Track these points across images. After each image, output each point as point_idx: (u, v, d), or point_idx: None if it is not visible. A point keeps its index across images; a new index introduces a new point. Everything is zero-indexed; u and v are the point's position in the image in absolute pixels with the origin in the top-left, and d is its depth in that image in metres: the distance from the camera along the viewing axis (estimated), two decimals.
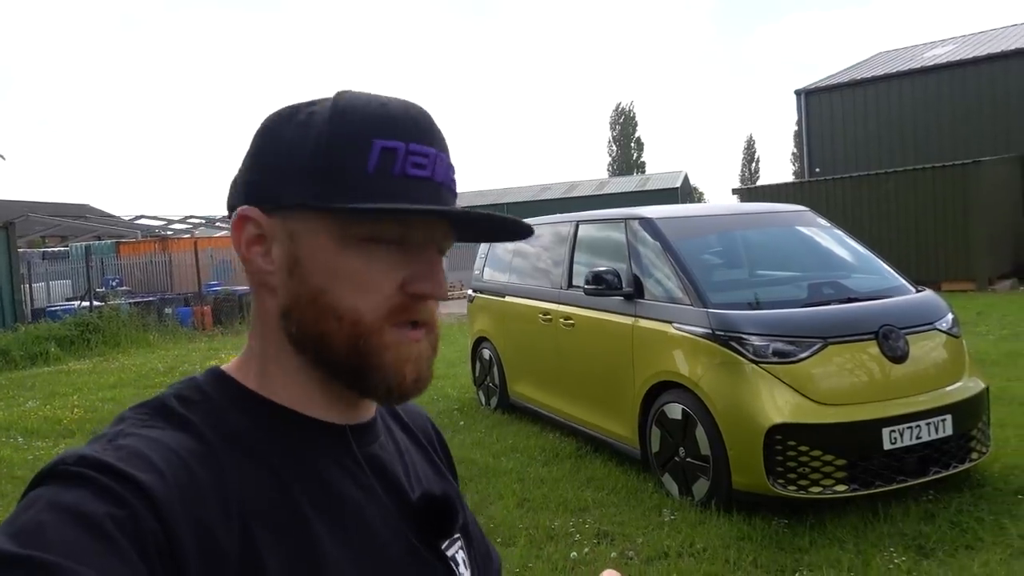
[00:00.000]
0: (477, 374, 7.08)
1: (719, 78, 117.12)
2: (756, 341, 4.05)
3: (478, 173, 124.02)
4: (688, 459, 4.27)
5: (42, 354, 11.27)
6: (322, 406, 0.69)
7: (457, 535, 0.78)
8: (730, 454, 3.99)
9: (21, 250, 19.47)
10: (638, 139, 63.49)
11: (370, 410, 0.75)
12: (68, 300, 16.11)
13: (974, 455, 4.18)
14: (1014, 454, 4.66)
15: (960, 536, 3.64)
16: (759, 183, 43.77)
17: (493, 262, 6.99)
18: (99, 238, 23.88)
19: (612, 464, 5.00)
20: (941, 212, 14.53)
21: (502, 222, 0.71)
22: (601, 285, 4.89)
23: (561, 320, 5.52)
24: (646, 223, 4.94)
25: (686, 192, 43.64)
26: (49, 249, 22.02)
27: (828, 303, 4.37)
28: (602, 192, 41.57)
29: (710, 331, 4.18)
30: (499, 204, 40.04)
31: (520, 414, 6.39)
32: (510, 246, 6.74)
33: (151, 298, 15.09)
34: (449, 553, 0.75)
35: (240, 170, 0.70)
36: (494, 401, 6.73)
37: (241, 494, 0.60)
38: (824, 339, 4.02)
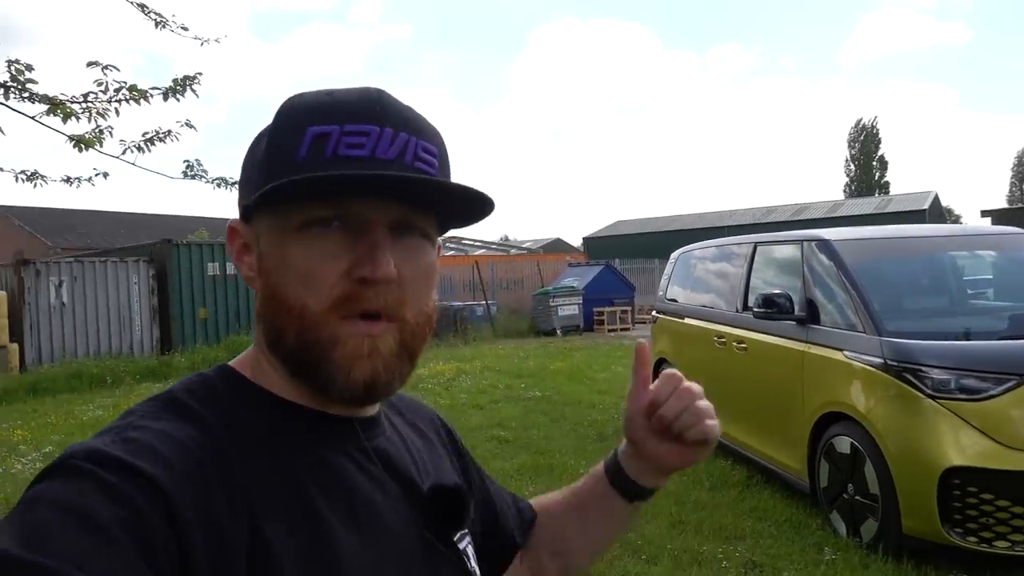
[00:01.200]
0: None
1: (981, 88, 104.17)
2: (936, 375, 3.69)
3: (698, 196, 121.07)
4: (856, 497, 3.98)
5: None
6: (321, 401, 0.68)
7: (466, 529, 0.77)
8: (900, 495, 3.67)
9: None
10: (881, 157, 58.44)
11: (374, 405, 0.74)
12: None
13: None
14: None
15: None
16: None
17: (675, 284, 6.95)
18: None
19: (780, 496, 4.77)
20: None
21: (445, 188, 0.66)
22: (772, 309, 4.71)
23: (735, 344, 5.38)
24: (823, 245, 4.69)
25: (936, 214, 39.38)
26: None
27: None
28: (835, 215, 38.77)
29: (883, 361, 3.88)
30: (719, 227, 38.85)
31: None
32: (691, 269, 6.66)
33: None
34: (460, 546, 0.75)
35: None
36: None
37: (251, 487, 0.60)
38: (1020, 376, 3.57)
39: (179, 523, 0.54)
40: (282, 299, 0.65)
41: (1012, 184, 61.28)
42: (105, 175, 5.11)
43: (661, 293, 7.23)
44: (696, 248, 6.85)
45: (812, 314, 4.55)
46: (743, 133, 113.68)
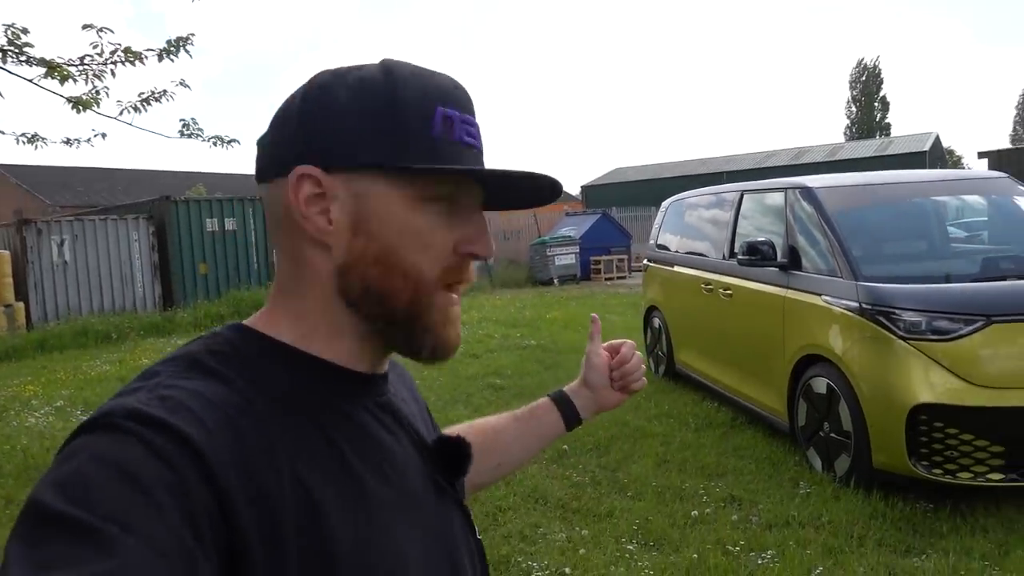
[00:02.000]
0: (648, 342, 7.23)
1: (986, 25, 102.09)
2: (908, 316, 3.85)
3: (700, 141, 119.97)
4: (831, 434, 4.18)
5: None
6: (356, 358, 0.70)
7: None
8: (871, 432, 3.86)
9: None
10: (883, 98, 57.71)
11: (385, 363, 0.76)
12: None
13: None
14: None
15: None
16: None
17: (664, 233, 7.08)
18: None
19: (761, 436, 4.98)
20: None
21: (534, 185, 0.72)
22: (755, 256, 4.85)
23: (721, 291, 5.53)
24: (806, 192, 4.80)
25: (936, 156, 39.17)
26: None
27: (1003, 278, 4.01)
28: (835, 158, 38.60)
29: (858, 305, 4.03)
30: (719, 173, 38.70)
31: (683, 382, 6.47)
32: (680, 217, 6.78)
33: None
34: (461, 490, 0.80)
35: (278, 133, 0.69)
36: (662, 369, 6.86)
37: (285, 443, 0.60)
38: (988, 316, 3.72)
39: (218, 483, 0.53)
40: (398, 263, 0.67)
41: (1016, 122, 60.66)
42: (103, 136, 5.20)
43: (652, 241, 7.36)
44: (686, 196, 6.95)
45: (794, 260, 4.69)
46: (745, 75, 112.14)
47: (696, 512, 3.87)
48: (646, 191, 37.89)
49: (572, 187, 47.44)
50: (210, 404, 0.58)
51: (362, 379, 0.70)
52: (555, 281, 17.30)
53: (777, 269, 4.77)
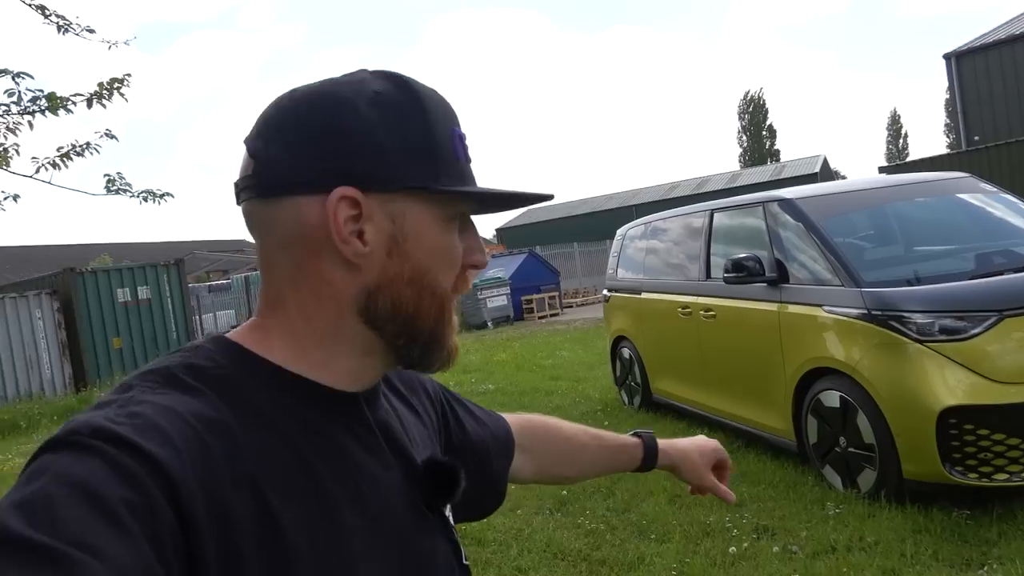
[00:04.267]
0: (618, 374, 7.01)
1: (857, 53, 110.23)
2: (919, 319, 3.75)
3: (607, 178, 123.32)
4: (851, 449, 4.01)
5: None
6: (350, 377, 0.69)
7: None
8: (898, 441, 3.71)
9: (190, 285, 21.36)
10: (770, 126, 60.88)
11: (378, 377, 0.74)
12: (232, 327, 17.47)
13: None
14: None
15: None
16: (909, 159, 40.85)
17: (625, 261, 6.92)
18: (254, 269, 25.76)
19: (767, 458, 4.79)
20: None
21: (522, 197, 0.74)
22: (742, 272, 4.70)
23: (701, 313, 5.37)
24: (786, 204, 4.72)
25: (826, 177, 41.32)
26: (214, 283, 23.99)
27: (1001, 273, 3.99)
28: (735, 185, 40.14)
29: (866, 311, 3.92)
30: (627, 207, 39.61)
31: (665, 412, 6.26)
32: (642, 243, 6.64)
33: None
34: (448, 516, 0.78)
35: (290, 147, 0.65)
36: (637, 400, 6.63)
37: (256, 464, 0.59)
38: (999, 312, 3.66)
39: (186, 511, 0.53)
40: (428, 282, 0.68)
41: (888, 142, 65.07)
42: (16, 198, 4.64)
43: (611, 271, 7.18)
44: (642, 223, 6.83)
45: (783, 274, 4.57)
46: (642, 112, 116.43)
47: (733, 549, 3.60)
48: (560, 229, 38.34)
49: (485, 231, 47.62)
50: (180, 420, 0.57)
51: (347, 399, 0.69)
52: (489, 324, 17.02)
53: (766, 284, 4.64)
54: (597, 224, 35.57)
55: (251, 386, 0.64)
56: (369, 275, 0.66)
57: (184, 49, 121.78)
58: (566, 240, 27.01)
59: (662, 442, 1.18)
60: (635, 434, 1.17)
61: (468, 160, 0.71)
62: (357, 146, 0.64)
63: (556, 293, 18.89)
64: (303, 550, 0.59)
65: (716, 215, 5.51)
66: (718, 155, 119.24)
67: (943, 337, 3.69)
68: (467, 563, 0.79)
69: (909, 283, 3.97)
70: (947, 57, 19.03)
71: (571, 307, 20.31)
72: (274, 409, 0.64)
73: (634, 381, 6.66)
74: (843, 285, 4.11)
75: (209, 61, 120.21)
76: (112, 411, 0.56)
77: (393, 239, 0.66)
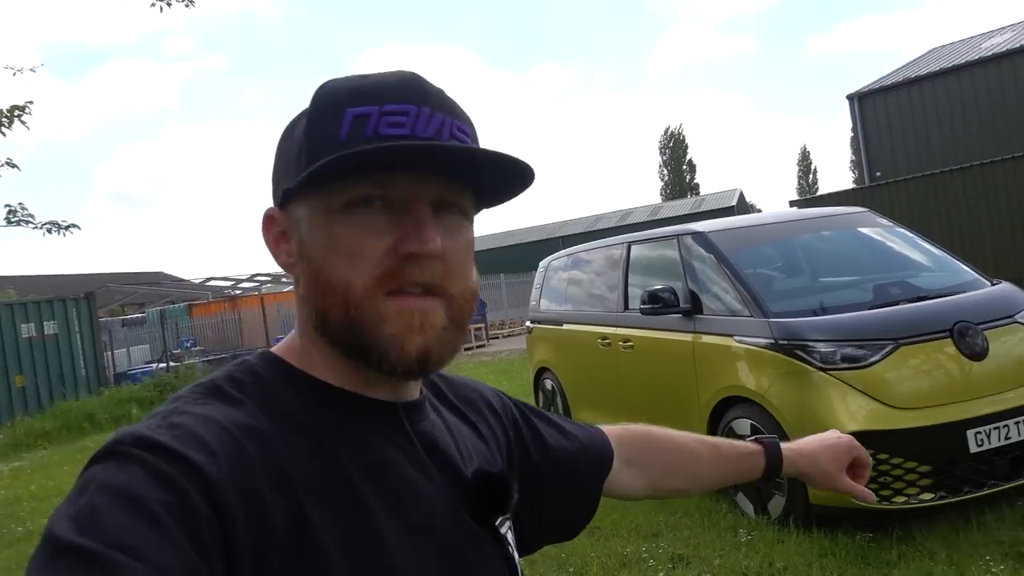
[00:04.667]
0: (541, 405, 7.02)
1: (768, 93, 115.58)
2: (822, 348, 3.90)
3: (535, 211, 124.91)
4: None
5: (125, 415, 11.68)
6: (366, 385, 0.68)
7: (509, 514, 0.77)
8: None
9: (102, 319, 20.43)
10: (690, 161, 62.91)
11: (417, 388, 0.74)
12: (147, 363, 16.77)
13: None
14: None
15: None
16: (819, 193, 42.91)
17: (548, 292, 6.98)
18: (173, 302, 24.88)
19: None
20: (1017, 207, 13.87)
21: (492, 158, 0.65)
22: (658, 304, 4.81)
23: (620, 343, 5.45)
24: (699, 237, 4.87)
25: (742, 210, 42.90)
26: (128, 317, 23.03)
27: (897, 303, 4.20)
28: (656, 217, 41.21)
29: (773, 341, 4.06)
30: (553, 238, 40.12)
31: None
32: (564, 274, 6.72)
33: (223, 355, 15.58)
34: (501, 531, 0.75)
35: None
36: None
37: (293, 470, 0.60)
38: (895, 340, 3.85)
39: (222, 508, 0.55)
40: (327, 279, 0.65)
41: (799, 177, 68.15)
42: None
43: (534, 303, 7.23)
44: (565, 255, 6.92)
45: (696, 305, 4.69)
46: (569, 147, 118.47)
47: None
48: (487, 260, 38.43)
49: None
50: (218, 427, 0.59)
51: (385, 409, 0.69)
52: None
53: (681, 315, 4.75)
54: (524, 256, 35.83)
55: (290, 397, 0.66)
56: (299, 285, 0.69)
57: (102, 75, 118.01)
58: (493, 271, 27.14)
59: (787, 447, 1.11)
60: (756, 440, 1.11)
61: (388, 136, 0.64)
62: (277, 165, 0.70)
63: (482, 325, 18.89)
64: (337, 556, 0.60)
65: (633, 247, 5.63)
66: (641, 188, 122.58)
67: (844, 365, 3.84)
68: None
69: (814, 313, 4.14)
70: (850, 97, 20.16)
71: (497, 338, 20.33)
72: (312, 419, 0.65)
73: (557, 412, 6.69)
74: (752, 316, 4.25)
75: (128, 88, 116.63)
76: (156, 422, 0.60)
77: (300, 245, 0.68)
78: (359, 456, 0.65)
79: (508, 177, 0.69)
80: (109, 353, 15.76)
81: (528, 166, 0.67)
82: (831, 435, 1.15)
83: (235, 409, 0.63)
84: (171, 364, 14.12)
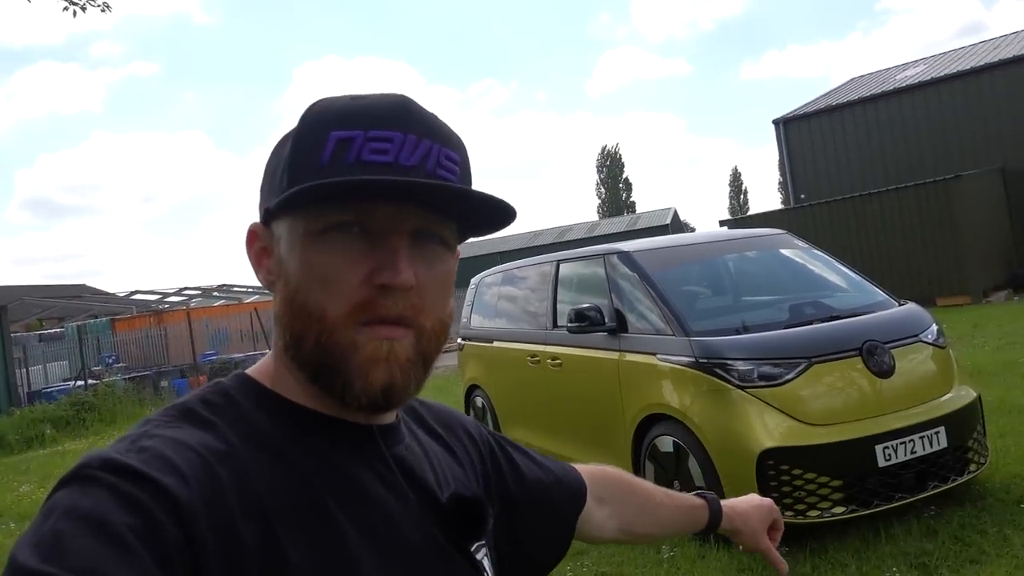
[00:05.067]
0: None
1: (700, 115, 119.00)
2: (741, 366, 4.01)
3: None
4: (683, 492, 4.19)
5: (38, 437, 11.17)
6: (341, 408, 0.67)
7: (484, 540, 0.77)
8: (724, 483, 3.92)
9: (17, 334, 19.46)
10: (626, 179, 64.13)
11: (393, 412, 0.73)
12: (65, 381, 16.04)
13: (972, 467, 4.11)
14: (1015, 463, 4.59)
15: (964, 551, 3.55)
16: (749, 213, 44.24)
17: (479, 309, 6.98)
18: (95, 316, 23.90)
19: None
20: (928, 229, 14.59)
21: (468, 195, 0.66)
22: (584, 322, 4.86)
23: (549, 361, 5.49)
24: (624, 257, 4.95)
25: (677, 228, 43.90)
26: (45, 332, 22.00)
27: (811, 322, 4.35)
28: (594, 234, 41.79)
29: (694, 359, 4.15)
30: (492, 254, 40.25)
31: None
32: (495, 291, 6.74)
33: (147, 372, 15.03)
34: (477, 556, 0.75)
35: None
36: None
37: (266, 494, 0.60)
38: (808, 359, 3.98)
39: (192, 531, 0.54)
40: (302, 304, 0.65)
41: (730, 196, 70.17)
42: None
43: (465, 320, 7.22)
44: (497, 271, 6.94)
45: (621, 323, 4.76)
46: (507, 163, 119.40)
47: None
48: None
49: None
50: (189, 450, 0.58)
51: (359, 430, 0.68)
52: None
53: (607, 333, 4.81)
54: (463, 271, 34.92)
55: (263, 420, 0.65)
56: (275, 303, 0.68)
57: (25, 77, 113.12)
58: None
59: (724, 504, 1.15)
60: (699, 494, 1.14)
61: (371, 163, 0.63)
62: (264, 181, 0.71)
63: None
64: None
65: (562, 266, 5.69)
66: (579, 205, 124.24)
67: (762, 383, 3.96)
68: None
69: (735, 332, 4.25)
70: (776, 122, 20.90)
71: (448, 351, 20.18)
72: (285, 442, 0.65)
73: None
74: (674, 334, 4.33)
75: (52, 92, 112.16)
76: (124, 445, 0.59)
77: (279, 264, 0.67)
78: (333, 479, 0.65)
79: (489, 212, 0.68)
80: (23, 370, 15.03)
81: (508, 206, 0.67)
82: (753, 498, 1.20)
83: (207, 432, 0.62)
84: (90, 382, 13.53)
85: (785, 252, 5.30)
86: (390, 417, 0.73)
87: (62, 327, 22.81)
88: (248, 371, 0.71)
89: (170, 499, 0.54)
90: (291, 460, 0.64)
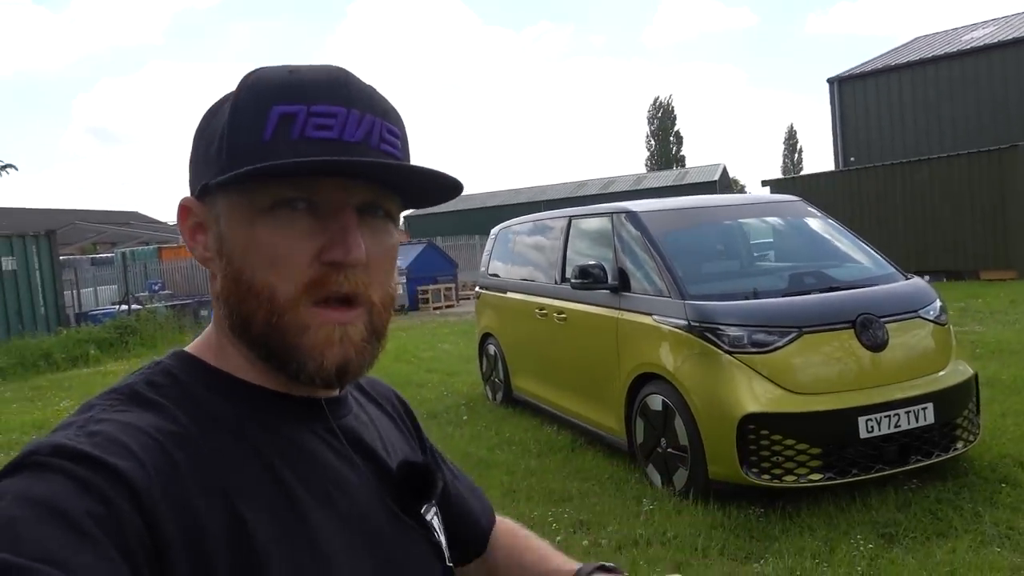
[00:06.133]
0: (484, 370, 7.19)
1: (761, 70, 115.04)
2: (732, 331, 4.06)
3: (516, 172, 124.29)
4: (669, 450, 4.31)
5: (83, 356, 11.73)
6: (285, 383, 0.67)
7: (434, 500, 0.79)
8: (706, 444, 4.02)
9: (71, 256, 20.26)
10: (677, 133, 62.73)
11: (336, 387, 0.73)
12: (113, 304, 16.71)
13: (960, 444, 4.13)
14: (1009, 443, 4.58)
15: (933, 524, 3.61)
16: (802, 173, 43.06)
17: (496, 259, 7.10)
18: (146, 244, 24.69)
19: (602, 457, 5.06)
20: (977, 200, 14.12)
21: (418, 172, 0.65)
22: (588, 279, 4.94)
23: (555, 315, 5.60)
24: (631, 216, 4.98)
25: (725, 185, 43.04)
26: (97, 256, 22.84)
27: (808, 292, 4.36)
28: (639, 187, 41.24)
29: (687, 323, 4.21)
30: (535, 202, 40.07)
31: (522, 408, 6.47)
32: (511, 243, 6.83)
33: (188, 300, 15.57)
34: (427, 517, 0.77)
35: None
36: (499, 396, 6.83)
37: (221, 471, 0.60)
38: (799, 328, 4.02)
39: (151, 514, 0.53)
40: (249, 283, 0.64)
41: (784, 155, 68.30)
42: None
43: (483, 269, 7.35)
44: (515, 223, 7.02)
45: (624, 282, 4.83)
46: (557, 110, 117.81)
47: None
48: (467, 220, 38.41)
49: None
50: (143, 434, 0.58)
51: (306, 403, 0.69)
52: None
53: (608, 291, 4.89)
54: (505, 218, 35.11)
55: (210, 398, 0.65)
56: (217, 281, 0.67)
57: (83, 5, 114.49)
58: (473, 232, 27.07)
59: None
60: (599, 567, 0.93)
61: (316, 138, 0.62)
62: (193, 160, 0.69)
63: (452, 285, 18.98)
64: (274, 556, 0.59)
65: (574, 222, 5.74)
66: (627, 157, 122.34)
67: (752, 349, 4.01)
68: (451, 565, 0.78)
69: (727, 298, 4.29)
70: (830, 81, 20.21)
71: (467, 299, 20.42)
72: (236, 420, 0.64)
73: (497, 377, 6.85)
74: (671, 297, 4.39)
75: (111, 19, 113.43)
76: (72, 431, 0.57)
77: (220, 241, 0.66)
78: (287, 453, 0.65)
79: (434, 186, 0.69)
80: (74, 292, 15.69)
81: (455, 182, 0.67)
82: None
83: (155, 414, 0.61)
84: (133, 307, 14.10)
85: (796, 220, 5.27)
86: (337, 390, 0.73)
87: (113, 252, 23.64)
88: (188, 348, 0.70)
89: (127, 484, 0.53)
90: (244, 437, 0.64)
